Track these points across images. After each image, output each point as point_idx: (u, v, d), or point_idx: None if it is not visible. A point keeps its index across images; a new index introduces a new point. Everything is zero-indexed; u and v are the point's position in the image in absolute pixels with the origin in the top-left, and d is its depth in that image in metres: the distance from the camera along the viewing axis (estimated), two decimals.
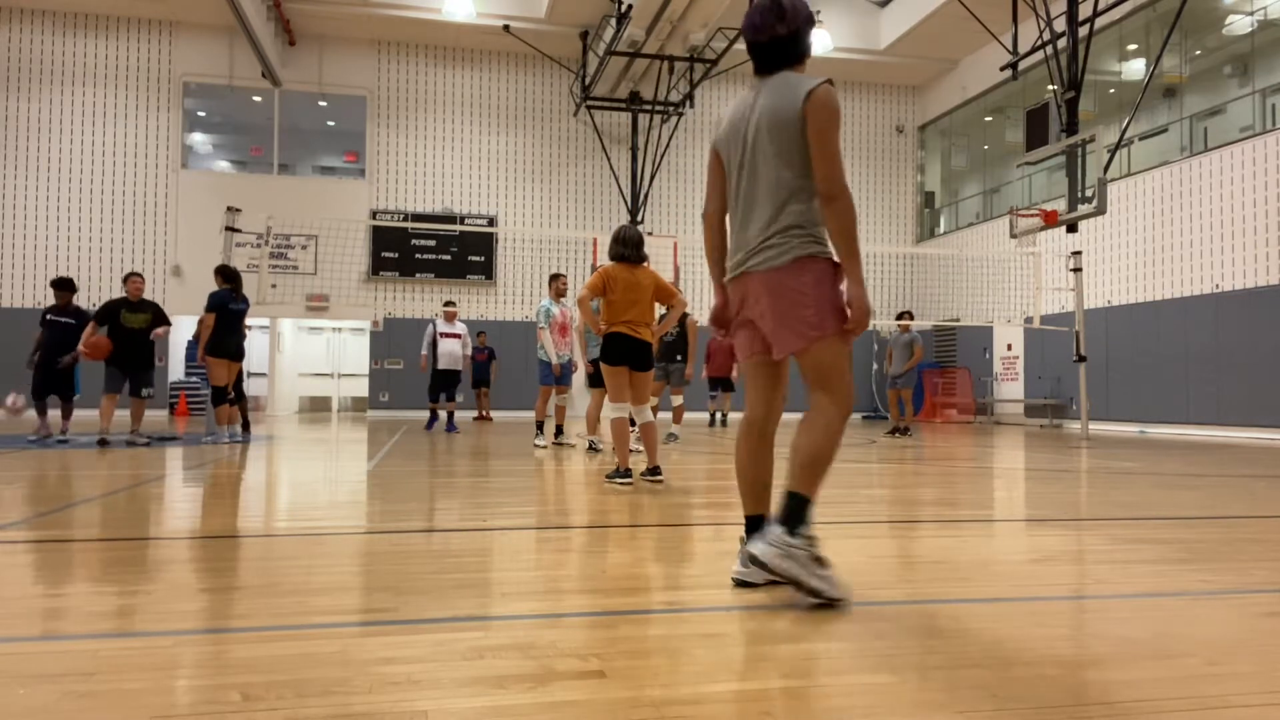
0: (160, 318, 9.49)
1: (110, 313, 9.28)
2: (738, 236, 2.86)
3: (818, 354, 2.68)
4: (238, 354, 9.83)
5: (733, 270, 2.86)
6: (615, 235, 6.11)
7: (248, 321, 10.37)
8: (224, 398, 9.71)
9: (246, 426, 10.31)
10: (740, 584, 2.77)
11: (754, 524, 2.82)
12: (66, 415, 9.93)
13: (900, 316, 13.35)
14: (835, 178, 2.66)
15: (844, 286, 2.73)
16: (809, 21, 2.82)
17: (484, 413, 17.64)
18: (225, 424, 9.72)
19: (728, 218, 2.94)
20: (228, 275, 9.94)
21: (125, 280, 9.52)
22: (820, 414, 2.68)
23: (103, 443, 8.67)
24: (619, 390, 5.97)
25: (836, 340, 2.69)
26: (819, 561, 2.54)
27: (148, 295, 18.41)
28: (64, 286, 9.89)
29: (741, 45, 16.60)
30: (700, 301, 20.17)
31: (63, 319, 9.75)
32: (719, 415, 15.54)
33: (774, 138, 2.72)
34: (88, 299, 18.22)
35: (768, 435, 2.88)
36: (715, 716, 1.71)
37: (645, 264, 6.13)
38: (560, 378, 9.66)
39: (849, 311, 2.69)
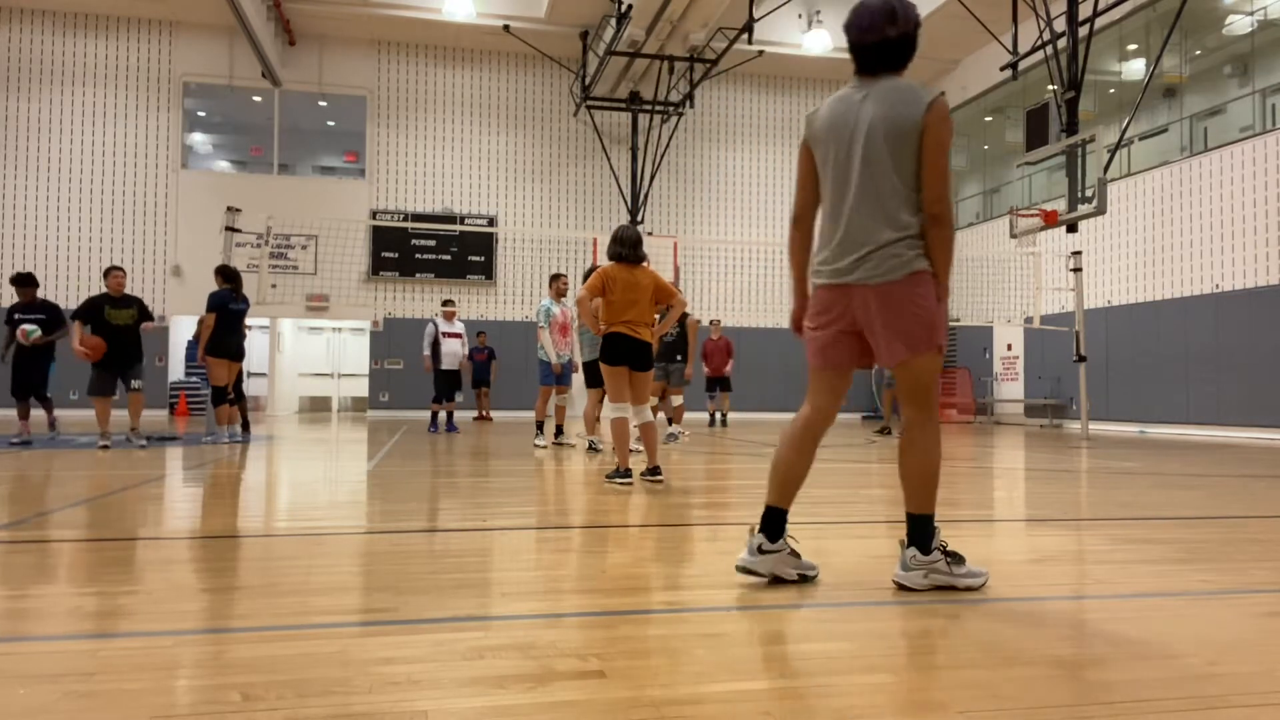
0: (145, 312, 9.07)
1: (94, 309, 8.79)
2: (837, 240, 2.80)
3: (921, 366, 2.73)
4: (238, 354, 9.82)
5: (834, 277, 2.80)
6: (614, 235, 6.10)
7: (248, 321, 10.37)
8: (224, 398, 9.70)
9: (246, 427, 10.31)
10: (744, 570, 2.80)
11: (773, 515, 2.83)
12: (49, 411, 9.74)
13: None
14: (946, 198, 2.69)
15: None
16: (918, 26, 2.79)
17: (484, 413, 17.64)
18: (225, 424, 9.71)
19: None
20: (228, 275, 9.94)
21: (106, 275, 9.08)
22: (921, 433, 2.76)
23: (105, 447, 8.46)
24: (619, 390, 5.96)
25: (938, 354, 2.74)
26: (956, 560, 2.76)
27: (149, 295, 18.56)
28: (26, 282, 9.47)
29: (742, 45, 16.62)
30: (699, 302, 20.18)
31: (30, 316, 9.35)
32: (719, 415, 15.56)
33: (890, 145, 2.69)
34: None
35: (819, 438, 2.90)
36: (715, 716, 1.71)
37: (644, 264, 6.13)
38: (560, 377, 9.66)
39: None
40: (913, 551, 2.74)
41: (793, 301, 3.02)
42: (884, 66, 2.79)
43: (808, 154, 2.90)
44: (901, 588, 2.74)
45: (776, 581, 2.80)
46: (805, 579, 2.84)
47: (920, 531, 2.74)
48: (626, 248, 5.98)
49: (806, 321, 2.91)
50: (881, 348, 2.76)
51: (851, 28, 2.80)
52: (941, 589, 2.73)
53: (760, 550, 2.79)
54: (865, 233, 2.73)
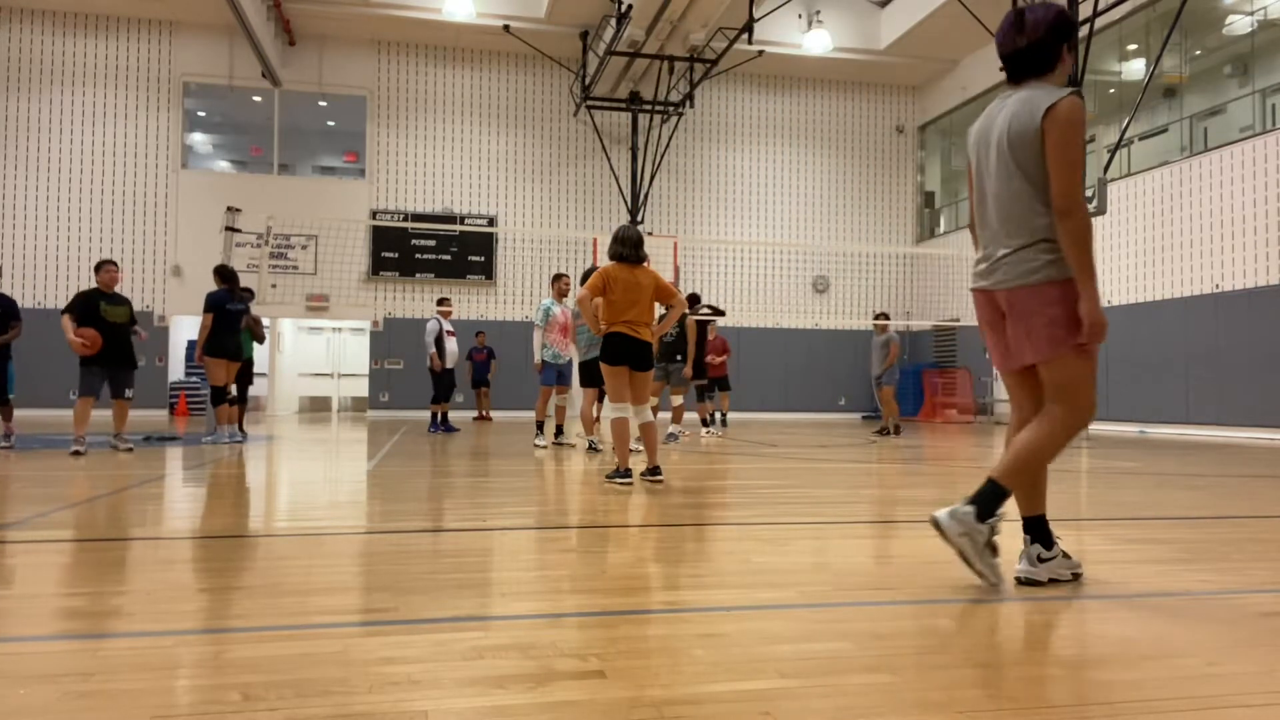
0: (132, 315, 8.58)
1: (89, 305, 8.21)
2: (981, 246, 2.93)
3: (1057, 369, 2.79)
4: (236, 354, 9.82)
5: (977, 280, 2.93)
6: (615, 235, 6.11)
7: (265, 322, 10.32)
8: (224, 397, 9.70)
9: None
10: (1025, 582, 2.84)
11: (1030, 525, 2.90)
12: (7, 417, 8.50)
13: (877, 318, 13.44)
14: (1070, 193, 2.70)
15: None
16: (1055, 30, 2.80)
17: (484, 413, 17.62)
18: (225, 424, 9.71)
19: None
20: (225, 275, 9.94)
21: (98, 269, 8.36)
22: (1049, 419, 2.80)
23: (77, 453, 7.77)
24: (619, 390, 5.96)
25: (1074, 357, 2.76)
26: (991, 549, 2.77)
27: (149, 295, 18.56)
28: None
29: (742, 45, 16.61)
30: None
31: None
32: (718, 415, 15.53)
33: (1015, 151, 2.77)
34: None
35: None
36: (715, 716, 1.71)
37: (645, 264, 6.14)
38: (560, 377, 9.67)
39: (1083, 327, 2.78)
40: (969, 509, 2.76)
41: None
42: (1025, 74, 2.86)
43: (969, 165, 3.03)
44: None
45: (1055, 581, 2.86)
46: (1076, 577, 2.92)
47: (987, 499, 2.77)
48: (628, 248, 5.99)
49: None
50: (1010, 349, 2.87)
51: (996, 41, 2.93)
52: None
53: (1040, 560, 2.87)
54: (1000, 238, 2.83)
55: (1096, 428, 14.98)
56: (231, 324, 9.77)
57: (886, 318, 13.35)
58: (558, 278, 9.75)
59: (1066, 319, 2.74)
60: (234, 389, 9.99)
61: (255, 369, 11.18)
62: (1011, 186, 2.78)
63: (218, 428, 9.70)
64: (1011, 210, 2.79)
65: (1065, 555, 2.91)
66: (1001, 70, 2.94)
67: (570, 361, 9.90)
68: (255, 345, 10.85)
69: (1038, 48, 2.81)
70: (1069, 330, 2.74)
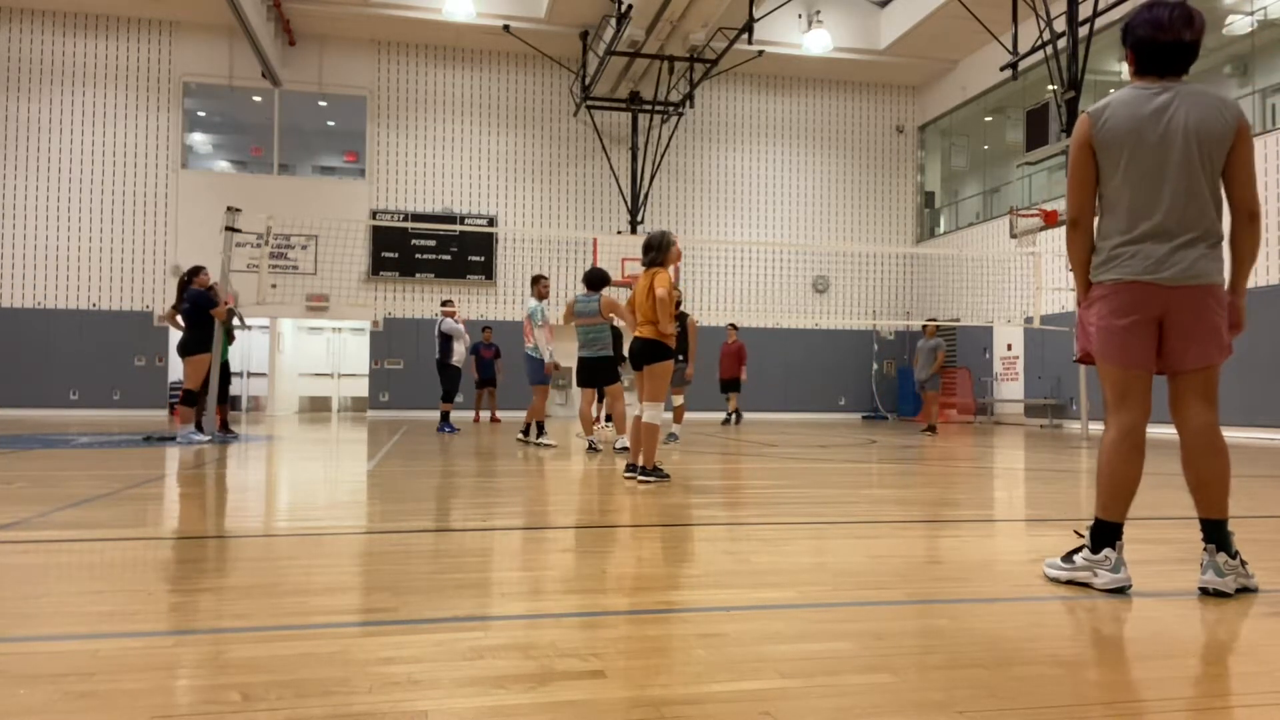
0: None
1: None
2: (1150, 239, 2.78)
3: (1213, 374, 2.83)
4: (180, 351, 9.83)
5: (1147, 273, 2.77)
6: None
7: (249, 322, 10.39)
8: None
9: (200, 426, 10.03)
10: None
11: (1119, 531, 2.88)
12: None
13: (928, 322, 13.52)
14: (1257, 197, 2.82)
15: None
16: (1203, 31, 2.84)
17: (481, 414, 17.15)
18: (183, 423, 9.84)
19: (1111, 218, 2.87)
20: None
21: None
22: (1219, 435, 2.82)
23: None
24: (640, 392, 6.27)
25: (1227, 354, 2.86)
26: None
27: (149, 294, 18.56)
28: None
29: (742, 45, 16.61)
30: (700, 301, 20.18)
31: None
32: (733, 415, 15.75)
33: (1205, 151, 2.76)
34: (88, 299, 18.24)
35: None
36: (715, 716, 1.71)
37: (672, 264, 6.41)
38: (546, 377, 9.65)
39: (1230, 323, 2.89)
40: (1224, 557, 2.74)
41: (1083, 304, 2.97)
42: (1178, 69, 2.85)
43: (1092, 155, 2.87)
44: (1218, 593, 2.70)
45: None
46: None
47: (1226, 535, 2.76)
48: (642, 252, 6.39)
49: (1103, 319, 2.86)
50: (1186, 349, 2.79)
51: (1147, 24, 2.87)
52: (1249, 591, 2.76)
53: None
54: (1176, 233, 2.78)
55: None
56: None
57: (935, 321, 13.43)
58: (538, 280, 9.70)
59: (1223, 324, 2.80)
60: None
61: (257, 369, 11.19)
62: (1194, 184, 2.76)
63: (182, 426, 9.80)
64: (1190, 208, 2.76)
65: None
66: (1125, 58, 2.94)
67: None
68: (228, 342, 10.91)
69: (1195, 47, 2.82)
70: (1224, 335, 2.80)
